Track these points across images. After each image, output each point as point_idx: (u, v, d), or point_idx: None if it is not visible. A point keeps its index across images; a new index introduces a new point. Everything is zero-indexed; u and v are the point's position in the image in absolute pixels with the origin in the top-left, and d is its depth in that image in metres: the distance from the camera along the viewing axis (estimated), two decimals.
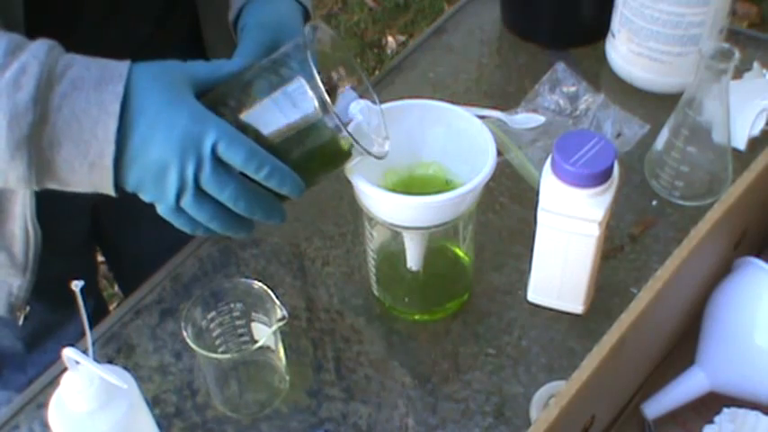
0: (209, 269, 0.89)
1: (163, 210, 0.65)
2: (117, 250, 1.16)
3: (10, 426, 0.78)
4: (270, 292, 0.73)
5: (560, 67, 1.03)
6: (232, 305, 0.75)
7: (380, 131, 0.70)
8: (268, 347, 0.75)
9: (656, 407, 0.73)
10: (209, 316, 0.74)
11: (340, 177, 0.72)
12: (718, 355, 0.72)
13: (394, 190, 0.72)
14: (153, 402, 0.78)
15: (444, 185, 0.77)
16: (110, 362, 0.82)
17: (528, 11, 1.14)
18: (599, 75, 1.07)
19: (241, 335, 0.77)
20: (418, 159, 0.78)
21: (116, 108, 0.59)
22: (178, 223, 0.66)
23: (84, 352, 0.59)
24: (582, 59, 1.09)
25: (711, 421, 0.70)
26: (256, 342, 0.73)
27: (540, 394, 0.75)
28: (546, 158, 0.73)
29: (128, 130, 0.60)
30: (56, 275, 0.79)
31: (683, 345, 0.76)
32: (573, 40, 1.12)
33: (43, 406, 0.79)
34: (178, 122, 0.61)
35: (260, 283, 0.73)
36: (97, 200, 0.98)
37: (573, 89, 1.01)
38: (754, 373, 0.70)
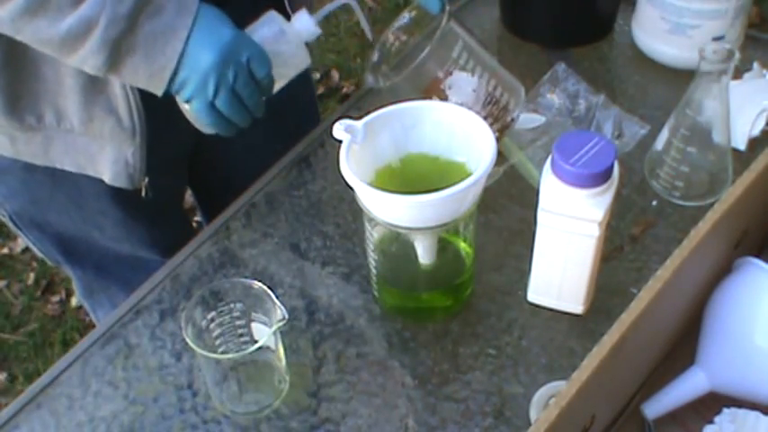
0: (209, 269, 0.89)
1: (198, 105, 0.80)
2: (208, 173, 1.18)
3: (10, 426, 0.78)
4: (270, 292, 0.73)
5: (560, 67, 1.03)
6: (232, 305, 0.75)
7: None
8: (268, 347, 0.75)
9: (656, 407, 0.73)
10: (209, 316, 0.74)
11: (340, 179, 0.72)
12: (719, 355, 0.72)
13: (394, 190, 0.72)
14: (153, 402, 0.78)
15: (449, 167, 0.77)
16: (110, 362, 0.82)
17: (528, 11, 1.14)
18: (599, 75, 1.07)
19: (241, 335, 0.77)
20: (412, 152, 0.78)
21: (185, 34, 0.76)
22: (209, 120, 0.81)
23: None
24: (582, 59, 1.09)
25: (711, 421, 0.70)
26: (256, 342, 0.73)
27: (540, 394, 0.75)
28: (546, 158, 0.73)
29: (186, 45, 0.77)
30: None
31: (683, 345, 0.76)
32: (573, 40, 1.12)
33: (43, 406, 0.79)
34: (225, 38, 0.78)
35: (260, 284, 0.73)
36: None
37: (573, 89, 1.01)
38: (754, 373, 0.70)
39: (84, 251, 1.10)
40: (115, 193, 0.99)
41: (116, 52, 0.76)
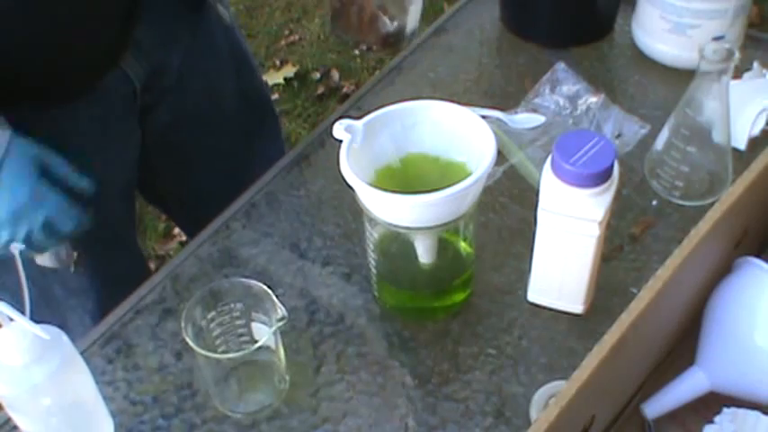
0: (209, 269, 0.89)
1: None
2: (173, 195, 1.17)
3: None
4: (270, 292, 0.73)
5: (560, 67, 1.03)
6: (232, 305, 0.75)
7: None
8: (268, 347, 0.75)
9: (656, 407, 0.73)
10: (209, 316, 0.74)
11: (340, 179, 0.72)
12: (719, 355, 0.72)
13: (394, 190, 0.72)
14: (153, 402, 0.78)
15: (450, 167, 0.77)
16: (110, 362, 0.82)
17: (528, 11, 1.14)
18: (599, 75, 1.07)
19: (241, 335, 0.77)
20: (412, 152, 0.78)
21: None
22: (35, 249, 0.85)
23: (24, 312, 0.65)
24: (582, 59, 1.09)
25: (711, 421, 0.70)
26: (256, 342, 0.73)
27: (540, 394, 0.75)
28: (546, 158, 0.73)
29: None
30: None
31: (683, 345, 0.76)
32: (573, 40, 1.12)
33: None
34: (21, 199, 0.80)
35: (260, 283, 0.73)
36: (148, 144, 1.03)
37: (573, 89, 1.01)
38: (754, 373, 0.70)
39: None
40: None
41: None
